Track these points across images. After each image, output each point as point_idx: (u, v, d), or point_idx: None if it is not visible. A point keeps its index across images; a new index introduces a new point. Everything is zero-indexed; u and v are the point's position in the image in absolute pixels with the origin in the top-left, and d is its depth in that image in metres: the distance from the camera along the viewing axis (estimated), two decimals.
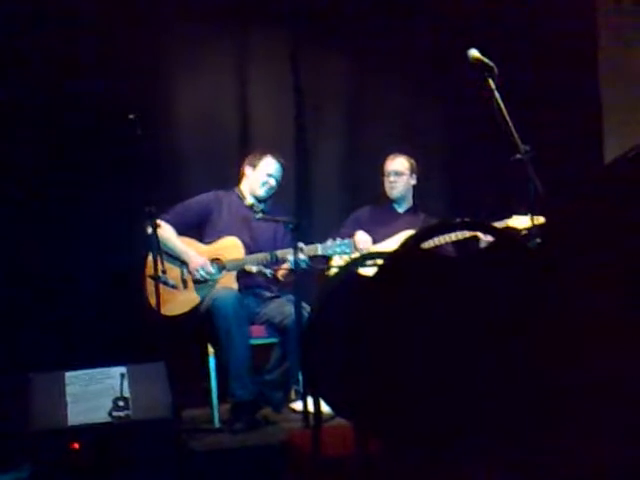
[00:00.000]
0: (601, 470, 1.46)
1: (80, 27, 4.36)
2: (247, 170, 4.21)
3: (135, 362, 3.22)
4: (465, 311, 1.61)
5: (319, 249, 3.91)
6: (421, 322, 1.62)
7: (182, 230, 4.07)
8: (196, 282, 3.96)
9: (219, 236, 4.07)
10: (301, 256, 3.73)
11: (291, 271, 3.89)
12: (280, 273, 4.12)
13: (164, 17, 4.61)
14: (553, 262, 1.53)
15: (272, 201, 4.25)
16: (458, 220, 1.87)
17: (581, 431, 1.50)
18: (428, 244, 3.85)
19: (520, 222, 4.01)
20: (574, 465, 1.46)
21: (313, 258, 3.94)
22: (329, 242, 3.93)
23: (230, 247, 4.03)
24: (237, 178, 4.29)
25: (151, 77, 4.56)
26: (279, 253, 3.93)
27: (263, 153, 4.20)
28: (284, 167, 4.19)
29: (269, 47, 4.87)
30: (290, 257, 3.78)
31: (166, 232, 3.94)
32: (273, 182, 4.15)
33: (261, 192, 4.16)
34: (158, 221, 3.91)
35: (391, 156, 4.48)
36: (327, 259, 4.20)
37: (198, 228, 4.15)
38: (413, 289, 1.63)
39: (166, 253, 3.91)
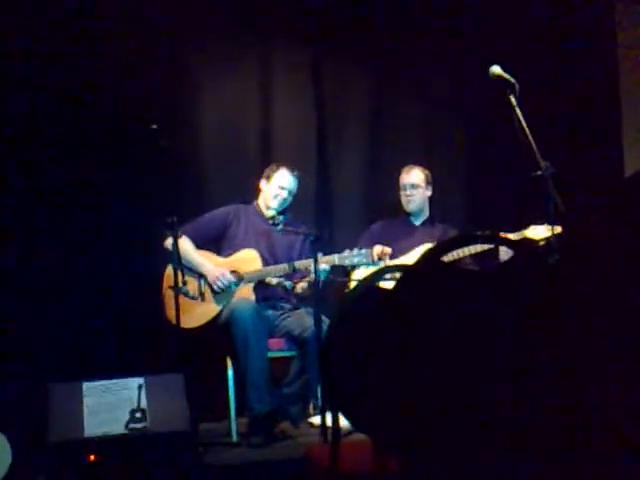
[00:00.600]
0: None
1: (103, 38, 4.38)
2: (262, 183, 4.22)
3: (153, 374, 3.21)
4: (485, 325, 1.58)
5: (336, 259, 3.90)
6: (442, 336, 1.59)
7: (200, 243, 4.07)
8: (215, 293, 3.95)
9: (236, 249, 4.07)
10: (321, 266, 3.73)
11: (310, 284, 3.86)
12: (299, 285, 4.10)
13: (188, 30, 4.62)
14: (572, 277, 1.50)
15: (291, 214, 4.25)
16: (479, 233, 1.84)
17: (603, 449, 1.47)
18: (447, 257, 3.82)
19: (537, 232, 3.97)
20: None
21: (332, 268, 3.93)
22: (346, 252, 3.91)
23: (247, 259, 4.02)
24: (255, 192, 4.29)
25: (174, 88, 4.57)
26: (297, 264, 3.92)
27: (277, 166, 4.20)
28: (299, 179, 4.18)
29: (292, 60, 4.89)
30: (310, 268, 3.75)
31: (184, 245, 3.94)
32: (285, 194, 4.14)
33: (274, 204, 4.14)
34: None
35: (406, 169, 4.45)
36: (347, 273, 4.18)
37: (215, 242, 4.15)
38: (434, 302, 1.61)
39: (184, 266, 3.91)
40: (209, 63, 4.70)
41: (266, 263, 4.03)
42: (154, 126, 3.57)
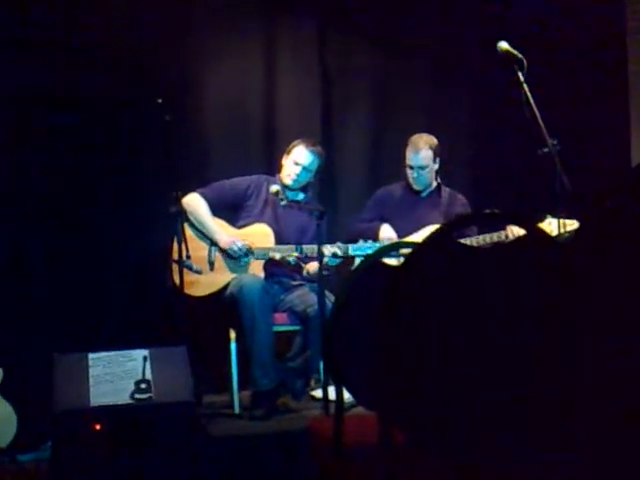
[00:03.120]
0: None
1: (107, 14, 4.37)
2: (284, 158, 4.16)
3: (158, 345, 3.24)
4: (493, 303, 1.60)
5: (350, 250, 3.90)
6: (448, 312, 1.61)
7: (216, 209, 4.05)
8: (229, 258, 3.95)
9: (251, 222, 4.06)
10: (336, 251, 3.78)
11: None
12: (311, 269, 4.08)
13: (192, 7, 4.60)
14: (584, 261, 1.51)
15: (310, 194, 4.23)
16: (487, 211, 1.85)
17: (609, 432, 1.49)
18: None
19: (553, 226, 3.70)
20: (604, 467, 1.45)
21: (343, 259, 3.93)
22: (360, 243, 3.92)
23: (260, 234, 4.02)
24: (273, 164, 4.27)
25: (179, 63, 4.56)
26: (306, 248, 3.91)
27: (298, 141, 4.13)
28: (318, 155, 4.12)
29: (297, 35, 4.86)
30: (327, 254, 3.80)
31: (201, 208, 3.96)
32: (298, 170, 4.07)
33: (288, 181, 4.11)
34: (195, 194, 3.98)
35: (412, 145, 4.22)
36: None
37: (232, 209, 4.14)
38: (441, 279, 1.62)
39: (196, 230, 3.93)
40: (214, 38, 4.67)
41: (279, 240, 4.01)
42: (159, 100, 3.58)
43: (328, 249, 3.85)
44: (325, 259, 3.76)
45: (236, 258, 3.94)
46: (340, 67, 4.96)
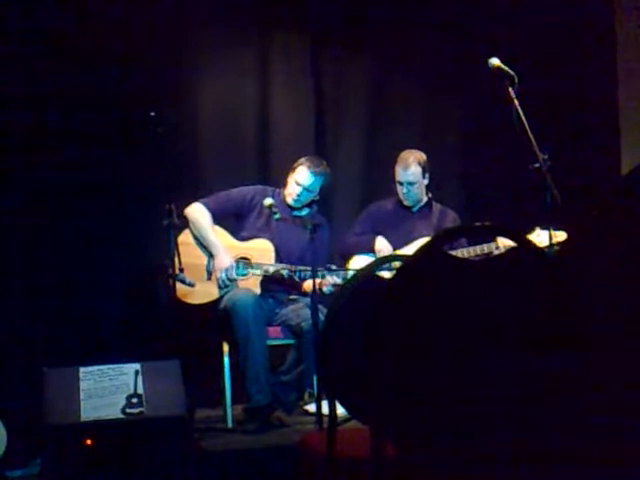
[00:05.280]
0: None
1: (103, 24, 4.37)
2: (289, 174, 4.13)
3: (150, 359, 3.22)
4: (483, 314, 1.59)
5: (349, 274, 3.88)
6: (441, 325, 1.60)
7: (219, 219, 4.04)
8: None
9: (254, 235, 4.04)
10: (336, 282, 3.78)
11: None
12: (307, 287, 4.05)
13: (187, 17, 4.61)
14: (572, 271, 1.51)
15: (315, 209, 4.21)
16: (478, 224, 1.84)
17: (602, 432, 1.48)
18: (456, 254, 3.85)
19: (542, 237, 3.76)
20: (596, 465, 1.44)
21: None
22: (357, 261, 3.95)
23: (261, 250, 4.00)
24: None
25: (173, 76, 4.56)
26: (303, 270, 3.89)
27: (303, 160, 4.10)
28: (322, 175, 4.09)
29: (290, 49, 4.88)
30: (328, 283, 3.84)
31: (202, 218, 3.95)
32: (299, 190, 4.05)
33: (289, 200, 4.09)
34: (197, 204, 3.99)
35: (402, 161, 4.24)
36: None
37: (235, 218, 4.12)
38: (433, 292, 1.62)
39: (197, 239, 3.91)
40: (207, 51, 4.68)
41: (280, 255, 4.00)
42: (152, 113, 3.58)
43: (328, 280, 3.83)
44: (325, 284, 3.79)
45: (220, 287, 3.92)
46: (333, 81, 4.97)
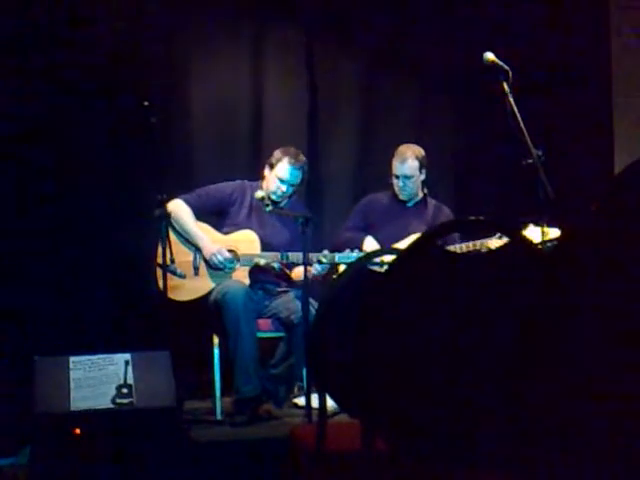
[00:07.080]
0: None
1: (96, 17, 4.36)
2: (266, 169, 4.11)
3: (140, 350, 3.22)
4: (475, 310, 1.60)
5: (336, 258, 3.89)
6: (431, 319, 1.61)
7: (200, 214, 4.03)
8: (211, 269, 3.93)
9: (237, 228, 4.04)
10: (321, 258, 3.77)
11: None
12: (296, 275, 4.07)
13: (181, 9, 4.60)
14: (567, 268, 1.51)
15: (295, 197, 4.20)
16: (472, 218, 1.85)
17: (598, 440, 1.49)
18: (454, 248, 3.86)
19: (534, 234, 3.63)
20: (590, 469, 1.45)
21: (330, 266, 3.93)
22: (347, 252, 3.92)
23: (246, 241, 3.99)
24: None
25: (167, 67, 4.56)
26: (291, 255, 3.90)
27: (281, 155, 4.05)
28: (302, 168, 4.07)
29: (284, 42, 4.87)
30: (317, 266, 3.84)
31: (184, 213, 3.93)
32: (284, 188, 4.04)
33: (274, 197, 4.05)
34: (178, 200, 3.95)
35: (399, 155, 4.23)
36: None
37: (217, 215, 4.11)
38: (425, 285, 1.62)
39: (181, 235, 3.91)
40: (201, 42, 4.68)
41: (265, 246, 3.99)
42: (146, 103, 3.57)
43: (313, 257, 3.84)
44: (312, 269, 3.77)
45: (219, 269, 3.92)
46: (327, 75, 4.96)
